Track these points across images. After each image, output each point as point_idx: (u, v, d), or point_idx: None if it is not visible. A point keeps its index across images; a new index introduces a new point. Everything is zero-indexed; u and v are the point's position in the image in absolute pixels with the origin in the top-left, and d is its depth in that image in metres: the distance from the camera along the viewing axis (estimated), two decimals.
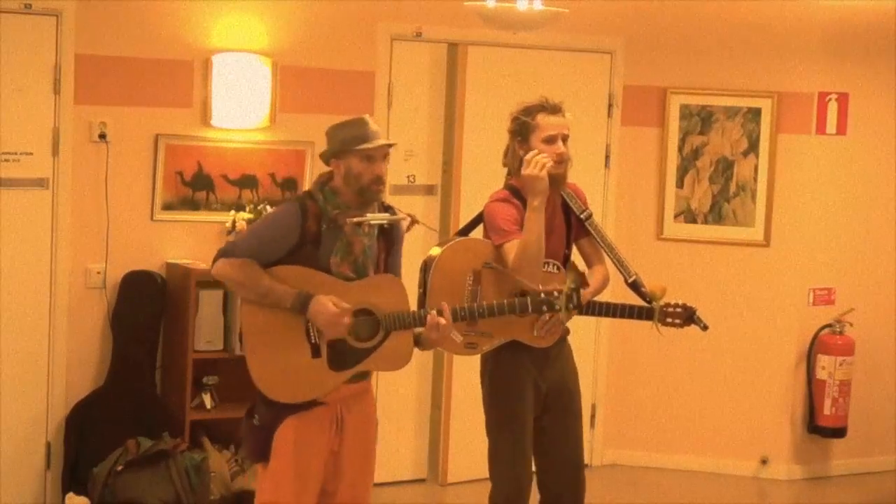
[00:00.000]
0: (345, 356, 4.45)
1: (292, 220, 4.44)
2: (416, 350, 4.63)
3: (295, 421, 4.44)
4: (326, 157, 4.52)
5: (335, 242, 4.45)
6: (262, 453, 4.48)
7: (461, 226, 5.35)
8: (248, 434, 4.56)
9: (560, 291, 4.57)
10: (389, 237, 4.60)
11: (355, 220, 4.45)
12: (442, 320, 4.49)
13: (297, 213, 4.44)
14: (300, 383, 4.44)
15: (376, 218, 4.50)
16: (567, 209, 5.11)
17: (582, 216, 5.10)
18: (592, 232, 5.10)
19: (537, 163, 4.84)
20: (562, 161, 4.97)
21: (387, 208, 4.58)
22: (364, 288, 4.46)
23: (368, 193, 4.48)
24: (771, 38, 7.52)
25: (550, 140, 4.96)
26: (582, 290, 4.62)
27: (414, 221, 4.60)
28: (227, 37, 6.65)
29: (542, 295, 4.59)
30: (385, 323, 4.46)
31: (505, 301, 4.68)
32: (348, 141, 4.45)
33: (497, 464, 5.10)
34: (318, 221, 4.44)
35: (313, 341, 4.43)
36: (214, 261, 4.49)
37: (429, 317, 4.48)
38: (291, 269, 4.42)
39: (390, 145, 4.57)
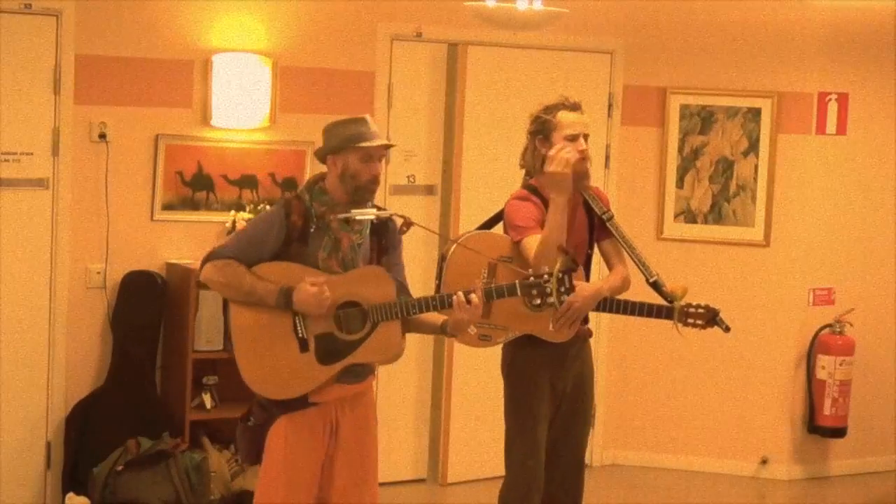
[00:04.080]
0: (333, 349, 4.44)
1: (276, 218, 4.45)
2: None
3: (287, 421, 4.45)
4: (323, 154, 4.51)
5: (322, 239, 4.46)
6: (255, 454, 4.50)
7: (482, 222, 5.35)
8: (242, 436, 4.59)
9: (550, 275, 4.42)
10: (384, 238, 4.58)
11: (341, 216, 4.43)
12: (474, 298, 4.39)
13: (281, 211, 4.46)
14: (290, 379, 4.43)
15: (362, 213, 4.46)
16: (589, 210, 5.13)
17: (604, 217, 5.11)
18: (614, 233, 5.12)
19: (561, 159, 4.84)
20: (584, 158, 5.00)
21: (379, 210, 4.55)
22: (350, 280, 4.45)
23: (363, 193, 4.47)
24: (771, 38, 7.52)
25: (573, 138, 4.98)
26: (573, 274, 4.50)
27: (409, 223, 4.52)
28: (227, 37, 6.65)
29: (532, 279, 4.46)
30: (372, 313, 4.44)
31: (504, 284, 4.54)
32: (349, 138, 4.44)
33: (510, 456, 5.15)
34: (305, 218, 4.45)
35: (300, 335, 4.43)
36: (202, 265, 4.51)
37: (456, 298, 4.39)
38: (276, 265, 4.43)
39: (390, 146, 4.59)
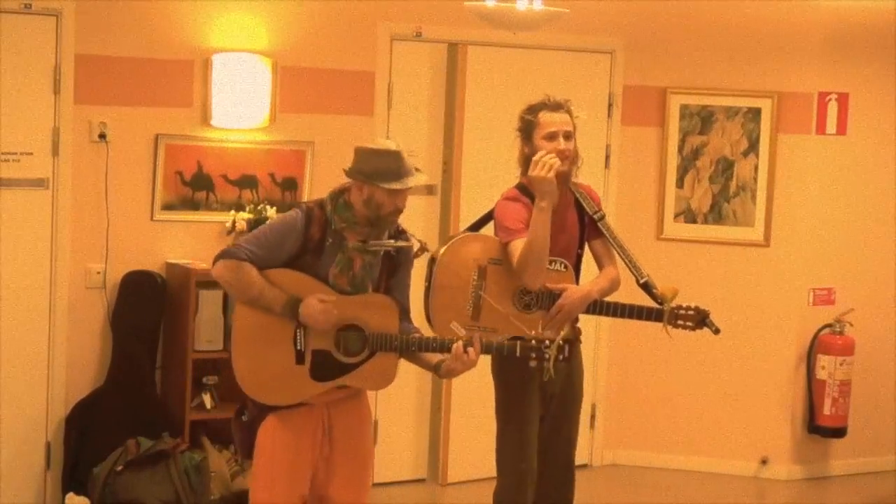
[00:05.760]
0: (327, 367, 4.48)
1: (296, 225, 4.46)
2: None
3: (277, 419, 4.49)
4: (352, 177, 4.48)
5: (336, 255, 4.47)
6: (248, 450, 4.55)
7: (472, 222, 5.35)
8: (237, 430, 4.64)
9: (552, 341, 4.53)
10: (395, 260, 4.59)
11: (359, 244, 4.45)
12: (472, 352, 4.46)
13: (302, 219, 4.46)
14: (280, 387, 4.48)
15: (379, 245, 4.49)
16: (580, 209, 5.13)
17: (595, 217, 5.12)
18: (605, 233, 5.13)
19: (545, 164, 4.86)
20: (565, 158, 4.99)
21: (399, 233, 4.58)
22: (356, 303, 4.48)
23: (384, 223, 4.49)
24: (771, 38, 7.52)
25: (551, 137, 5.00)
26: (576, 344, 4.61)
27: (424, 249, 4.60)
28: (227, 37, 6.65)
29: (534, 342, 4.56)
30: (372, 341, 4.48)
31: (505, 341, 4.62)
32: (381, 174, 4.41)
33: (502, 458, 5.17)
34: (323, 231, 4.47)
35: (299, 347, 4.46)
36: (215, 261, 4.52)
37: (455, 347, 4.46)
38: (287, 273, 4.45)
39: (420, 184, 4.55)
